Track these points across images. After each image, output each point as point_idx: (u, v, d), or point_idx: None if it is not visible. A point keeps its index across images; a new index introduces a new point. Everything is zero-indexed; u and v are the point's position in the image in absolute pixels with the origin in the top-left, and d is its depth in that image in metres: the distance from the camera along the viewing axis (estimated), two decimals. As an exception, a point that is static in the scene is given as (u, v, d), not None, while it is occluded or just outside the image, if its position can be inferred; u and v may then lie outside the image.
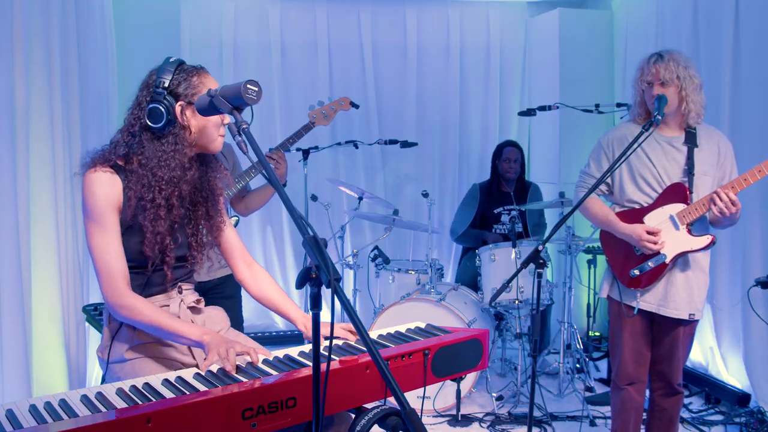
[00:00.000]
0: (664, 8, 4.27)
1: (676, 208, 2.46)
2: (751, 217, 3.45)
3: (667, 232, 2.46)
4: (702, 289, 2.53)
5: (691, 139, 2.48)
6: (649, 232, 2.45)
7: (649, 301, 2.53)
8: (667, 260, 2.46)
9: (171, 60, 1.83)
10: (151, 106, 1.78)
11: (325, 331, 1.34)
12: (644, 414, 2.74)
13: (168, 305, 1.88)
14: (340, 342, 1.89)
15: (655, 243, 2.44)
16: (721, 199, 2.33)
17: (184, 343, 1.77)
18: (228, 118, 1.82)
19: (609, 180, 2.61)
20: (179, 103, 1.79)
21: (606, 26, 5.04)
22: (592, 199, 2.61)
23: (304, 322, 1.97)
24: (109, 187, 1.74)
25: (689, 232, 2.45)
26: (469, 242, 4.51)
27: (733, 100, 3.61)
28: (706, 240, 2.44)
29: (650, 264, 2.47)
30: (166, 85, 1.78)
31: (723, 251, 3.69)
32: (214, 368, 1.66)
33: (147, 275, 1.84)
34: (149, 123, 1.78)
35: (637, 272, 2.51)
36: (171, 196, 1.78)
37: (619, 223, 2.53)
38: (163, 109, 1.77)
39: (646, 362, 2.63)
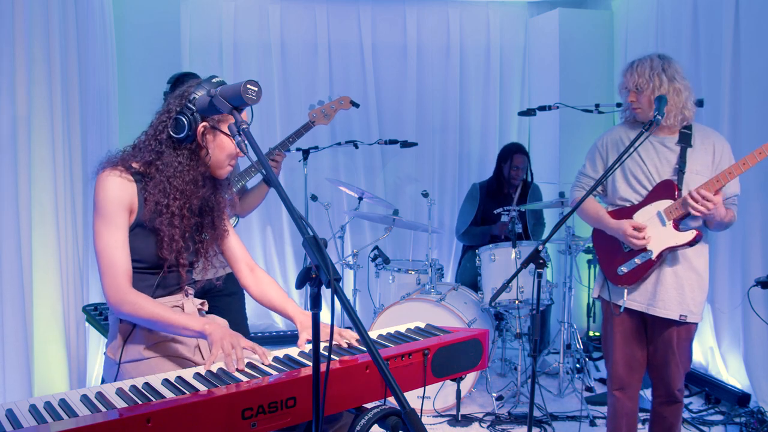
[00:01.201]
0: (664, 8, 4.27)
1: (663, 204, 2.45)
2: (751, 218, 3.45)
3: (653, 228, 2.45)
4: (696, 291, 2.48)
5: (685, 140, 2.47)
6: (635, 228, 2.45)
7: (637, 300, 2.52)
8: (653, 256, 2.45)
9: (214, 80, 1.81)
10: (177, 116, 1.79)
11: (323, 335, 1.34)
12: (640, 417, 2.72)
13: (181, 305, 1.90)
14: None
15: (642, 238, 2.44)
16: (692, 197, 2.31)
17: (187, 334, 1.78)
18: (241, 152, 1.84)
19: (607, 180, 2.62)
20: (203, 123, 1.80)
21: (606, 26, 5.04)
22: (586, 198, 2.62)
23: (301, 319, 1.96)
24: (121, 190, 1.76)
25: (676, 227, 2.43)
26: (475, 240, 4.50)
27: (733, 100, 3.61)
28: (690, 235, 2.41)
29: (637, 261, 2.47)
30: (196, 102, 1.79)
31: (723, 251, 3.70)
32: (214, 368, 1.66)
33: (159, 276, 1.85)
34: (171, 132, 1.80)
35: (624, 269, 2.51)
36: (183, 206, 1.81)
37: (609, 220, 2.54)
38: (186, 123, 1.78)
39: (639, 367, 2.60)
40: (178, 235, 1.80)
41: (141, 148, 1.84)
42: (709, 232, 2.52)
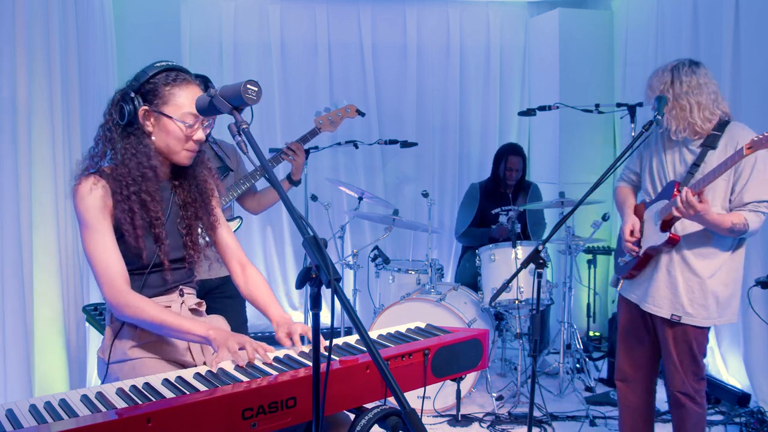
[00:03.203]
0: (664, 8, 4.27)
1: (662, 204, 2.48)
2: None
3: (649, 227, 2.53)
4: (695, 293, 2.43)
5: (710, 141, 2.42)
6: (631, 231, 2.56)
7: (635, 293, 2.59)
8: (640, 253, 2.52)
9: (158, 63, 1.83)
10: (120, 103, 1.81)
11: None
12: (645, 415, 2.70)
13: (169, 306, 1.88)
14: (339, 342, 1.89)
15: (630, 242, 2.54)
16: (680, 197, 2.27)
17: (190, 339, 1.77)
18: (199, 133, 1.84)
19: (640, 173, 2.71)
20: (143, 107, 1.80)
21: (606, 26, 5.05)
22: (621, 187, 2.76)
23: (278, 321, 1.92)
24: (95, 195, 1.76)
25: (661, 227, 2.46)
26: (475, 241, 4.50)
27: (733, 100, 3.60)
28: (664, 237, 2.43)
29: (628, 255, 2.58)
30: (136, 87, 1.80)
31: (723, 251, 3.69)
32: (215, 368, 1.66)
33: (144, 276, 1.84)
34: (117, 119, 1.81)
35: (622, 260, 2.62)
36: (139, 191, 1.79)
37: (623, 213, 2.66)
38: (126, 109, 1.79)
39: (642, 362, 2.63)
40: (138, 221, 1.79)
41: (98, 143, 1.85)
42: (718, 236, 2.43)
